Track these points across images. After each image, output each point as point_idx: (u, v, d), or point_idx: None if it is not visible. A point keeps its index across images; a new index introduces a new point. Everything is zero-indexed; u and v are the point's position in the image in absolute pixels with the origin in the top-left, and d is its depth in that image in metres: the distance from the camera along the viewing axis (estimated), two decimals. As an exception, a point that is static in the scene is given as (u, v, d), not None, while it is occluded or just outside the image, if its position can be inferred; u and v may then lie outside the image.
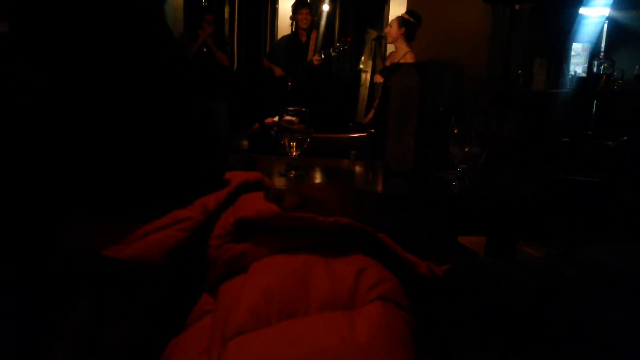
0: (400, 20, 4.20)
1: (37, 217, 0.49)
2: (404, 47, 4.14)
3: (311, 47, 4.49)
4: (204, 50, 4.47)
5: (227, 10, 6.41)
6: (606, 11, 4.38)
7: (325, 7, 5.58)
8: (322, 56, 4.39)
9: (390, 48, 4.41)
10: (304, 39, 4.55)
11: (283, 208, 0.48)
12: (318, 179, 1.79)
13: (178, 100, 0.56)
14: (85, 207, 0.50)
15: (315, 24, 4.64)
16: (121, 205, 0.52)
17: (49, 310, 0.47)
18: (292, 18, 4.59)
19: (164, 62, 0.55)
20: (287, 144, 1.63)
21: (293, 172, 1.63)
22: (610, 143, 2.25)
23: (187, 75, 0.58)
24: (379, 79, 4.26)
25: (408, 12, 4.27)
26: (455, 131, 1.56)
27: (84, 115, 0.48)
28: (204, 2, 6.04)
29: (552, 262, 0.52)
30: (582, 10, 4.36)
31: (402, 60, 4.17)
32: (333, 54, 4.38)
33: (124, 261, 0.45)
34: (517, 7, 4.11)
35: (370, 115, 4.25)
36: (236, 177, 0.59)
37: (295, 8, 4.64)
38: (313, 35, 4.54)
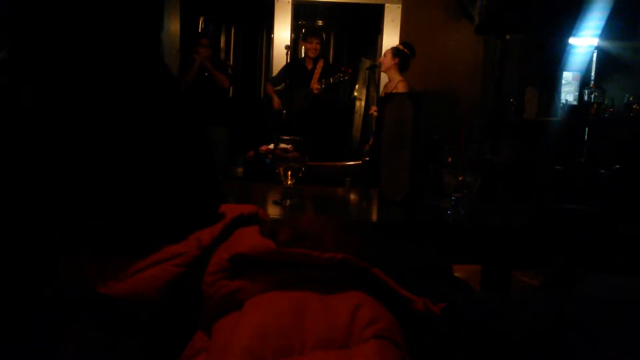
0: (395, 50, 4.27)
1: (34, 245, 0.48)
2: (397, 77, 4.21)
3: (315, 76, 4.55)
4: (205, 74, 4.51)
5: (223, 39, 6.50)
6: (595, 41, 4.46)
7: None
8: (322, 86, 4.44)
9: (384, 78, 4.47)
10: (310, 67, 4.61)
11: (278, 243, 0.48)
12: (313, 207, 1.79)
13: (174, 133, 0.56)
14: (83, 238, 0.50)
15: (322, 53, 4.69)
16: (118, 237, 0.52)
17: (45, 342, 0.46)
18: (287, 47, 4.65)
19: (159, 94, 0.56)
20: (282, 173, 1.63)
21: (288, 201, 1.63)
22: (602, 171, 2.26)
23: (182, 107, 0.59)
24: (374, 110, 4.31)
25: (403, 43, 4.36)
26: (449, 160, 1.57)
27: (79, 148, 0.48)
28: (201, 29, 6.13)
29: (550, 296, 0.51)
30: (571, 40, 4.44)
31: (394, 90, 4.23)
32: (333, 82, 4.43)
33: (118, 298, 0.45)
34: (508, 37, 4.19)
35: (371, 142, 4.30)
36: (231, 210, 0.59)
37: (305, 36, 4.70)
38: (319, 64, 4.59)
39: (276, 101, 4.62)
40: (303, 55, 4.80)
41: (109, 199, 0.50)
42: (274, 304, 0.41)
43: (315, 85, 4.44)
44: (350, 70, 4.45)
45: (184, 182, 0.57)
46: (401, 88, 4.24)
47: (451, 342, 0.45)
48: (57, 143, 0.49)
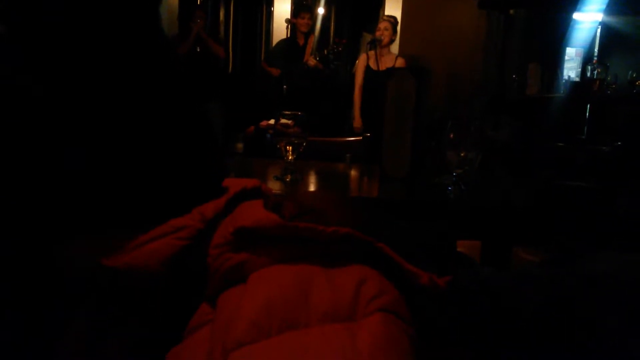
0: (395, 24, 4.26)
1: (36, 226, 0.48)
2: (395, 52, 4.24)
3: (308, 51, 4.50)
4: (198, 49, 4.50)
5: (222, 12, 6.40)
6: (599, 16, 4.41)
7: (321, 11, 5.59)
8: (317, 58, 4.40)
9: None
10: (301, 42, 4.55)
11: (282, 217, 0.48)
12: (314, 183, 1.79)
13: (175, 107, 0.56)
14: (84, 216, 0.50)
15: (312, 28, 4.65)
16: (120, 214, 0.51)
17: (49, 318, 0.46)
18: (288, 21, 4.59)
19: (160, 69, 0.55)
20: (283, 148, 1.63)
21: (289, 176, 1.63)
22: (604, 148, 2.26)
23: (183, 81, 0.58)
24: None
25: (391, 16, 4.36)
26: (452, 136, 1.56)
27: (82, 124, 0.48)
28: (200, 2, 6.05)
29: (552, 273, 0.52)
30: (575, 16, 4.39)
31: (396, 64, 4.21)
32: (327, 54, 4.38)
33: (122, 269, 0.45)
34: (511, 12, 4.13)
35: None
36: (234, 184, 0.59)
37: (296, 11, 4.64)
38: (311, 39, 4.54)
39: (274, 70, 4.59)
40: (292, 33, 4.75)
41: (108, 174, 0.50)
42: (279, 277, 0.41)
43: (310, 59, 4.40)
44: (345, 41, 4.40)
45: (186, 157, 0.56)
46: (401, 62, 4.23)
47: (455, 316, 0.45)
48: (63, 120, 0.48)
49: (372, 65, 4.30)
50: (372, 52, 4.24)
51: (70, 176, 0.48)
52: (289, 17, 4.66)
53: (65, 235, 0.49)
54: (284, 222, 0.44)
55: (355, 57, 5.47)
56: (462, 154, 1.54)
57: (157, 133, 0.53)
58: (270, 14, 5.81)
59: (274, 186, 1.60)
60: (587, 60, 4.31)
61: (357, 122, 4.37)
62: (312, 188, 1.72)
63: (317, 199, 0.55)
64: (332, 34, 6.05)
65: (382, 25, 4.27)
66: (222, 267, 0.44)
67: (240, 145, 4.29)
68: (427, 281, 0.42)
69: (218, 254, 0.45)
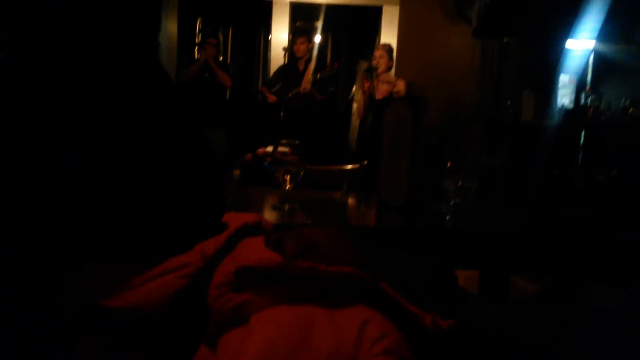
0: (390, 52, 4.34)
1: (40, 257, 0.48)
2: (393, 77, 4.30)
3: (306, 77, 4.53)
4: (205, 75, 4.54)
5: (220, 38, 6.49)
6: (592, 44, 4.48)
7: (317, 38, 5.67)
8: (311, 84, 4.44)
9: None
10: (301, 68, 4.59)
11: (284, 255, 0.48)
12: (312, 212, 1.78)
13: (175, 140, 0.56)
14: (87, 249, 0.50)
15: (312, 54, 4.69)
16: (122, 248, 0.51)
17: (49, 353, 0.46)
18: (285, 49, 4.64)
19: (158, 100, 0.55)
20: (281, 177, 1.63)
21: (287, 206, 1.63)
22: (600, 176, 2.27)
23: (183, 112, 0.58)
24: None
25: (386, 44, 4.43)
26: (449, 165, 1.57)
27: (77, 155, 0.48)
28: (199, 30, 6.14)
29: (554, 308, 0.51)
30: (568, 43, 4.45)
31: (396, 89, 4.26)
32: (319, 78, 4.42)
33: (123, 310, 0.44)
34: (505, 40, 4.20)
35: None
36: (235, 219, 0.59)
37: (292, 36, 4.69)
38: (310, 66, 4.58)
39: (270, 97, 4.62)
40: (290, 59, 4.80)
41: (110, 208, 0.50)
42: (281, 319, 0.41)
43: (306, 86, 4.43)
44: (336, 65, 4.45)
45: (188, 191, 0.56)
46: (402, 85, 4.29)
47: (457, 356, 0.45)
48: (54, 149, 0.48)
49: (369, 92, 4.35)
50: (368, 79, 4.30)
51: (74, 210, 0.48)
52: (286, 45, 4.72)
53: (67, 269, 0.49)
54: (286, 262, 0.44)
55: (352, 84, 5.54)
56: (459, 183, 1.54)
57: (160, 169, 0.53)
58: (267, 42, 5.90)
59: (272, 216, 1.60)
60: (580, 87, 4.36)
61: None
62: (310, 218, 1.72)
63: (318, 234, 0.55)
64: (328, 61, 6.12)
65: (378, 53, 4.34)
66: (224, 308, 0.43)
67: (237, 172, 4.29)
68: (430, 323, 0.42)
69: (219, 295, 0.44)
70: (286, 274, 0.45)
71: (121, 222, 0.51)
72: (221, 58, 6.18)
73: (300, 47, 4.53)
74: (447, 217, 1.57)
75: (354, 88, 5.62)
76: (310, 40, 4.60)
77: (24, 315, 0.45)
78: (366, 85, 4.28)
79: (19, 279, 0.46)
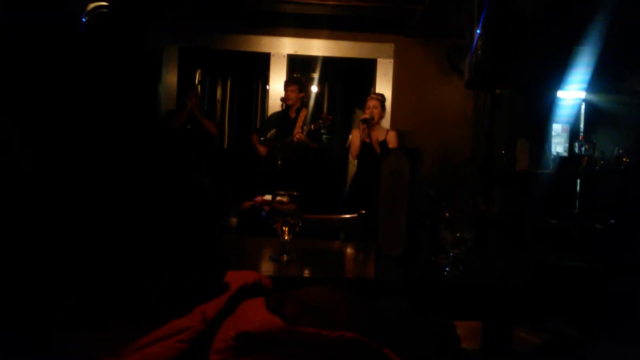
0: (383, 103, 4.46)
1: (35, 320, 0.47)
2: (384, 127, 4.43)
3: (298, 124, 4.59)
4: (188, 127, 4.69)
5: (219, 91, 6.62)
6: (582, 94, 4.58)
7: (314, 89, 5.79)
8: (304, 133, 4.49)
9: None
10: (292, 115, 4.66)
11: (285, 318, 0.47)
12: (310, 263, 1.77)
13: (174, 195, 0.56)
14: (85, 312, 0.49)
15: (304, 102, 4.77)
16: (120, 310, 0.50)
17: None
18: (282, 100, 4.73)
19: (156, 153, 0.55)
20: (279, 228, 1.63)
21: (285, 257, 1.62)
22: (597, 225, 2.27)
23: (182, 167, 0.58)
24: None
25: (379, 94, 4.54)
26: (446, 215, 1.57)
27: (78, 215, 0.48)
28: (198, 81, 6.28)
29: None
30: (559, 94, 4.55)
31: (387, 138, 4.35)
32: (313, 129, 4.48)
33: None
34: (497, 91, 4.29)
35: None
36: (235, 279, 0.58)
37: (284, 84, 4.79)
38: (302, 114, 4.64)
39: (261, 149, 4.67)
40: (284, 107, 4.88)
41: (109, 270, 0.50)
42: (284, 386, 0.40)
43: (297, 134, 4.48)
44: (330, 117, 4.52)
45: (187, 250, 0.56)
46: (393, 136, 4.38)
47: None
48: (41, 194, 0.48)
49: (365, 139, 4.43)
50: (364, 127, 4.38)
51: (71, 270, 0.48)
52: (283, 95, 4.81)
53: (65, 331, 0.48)
54: (288, 327, 0.43)
55: (348, 132, 5.62)
56: (457, 234, 1.54)
57: (158, 228, 0.53)
58: (265, 93, 6.01)
59: (270, 267, 1.59)
60: (573, 136, 4.43)
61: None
62: (308, 270, 1.71)
63: (321, 297, 0.54)
64: (325, 110, 6.23)
65: (371, 103, 4.44)
66: (224, 374, 0.43)
67: (234, 220, 4.28)
68: (434, 390, 0.41)
69: (220, 360, 0.44)
70: (287, 339, 0.44)
71: (119, 282, 0.50)
72: (219, 108, 6.31)
73: (291, 95, 4.61)
74: (447, 269, 1.56)
75: (349, 137, 5.69)
76: (301, 90, 4.68)
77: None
78: (364, 132, 4.36)
79: (16, 337, 0.45)
